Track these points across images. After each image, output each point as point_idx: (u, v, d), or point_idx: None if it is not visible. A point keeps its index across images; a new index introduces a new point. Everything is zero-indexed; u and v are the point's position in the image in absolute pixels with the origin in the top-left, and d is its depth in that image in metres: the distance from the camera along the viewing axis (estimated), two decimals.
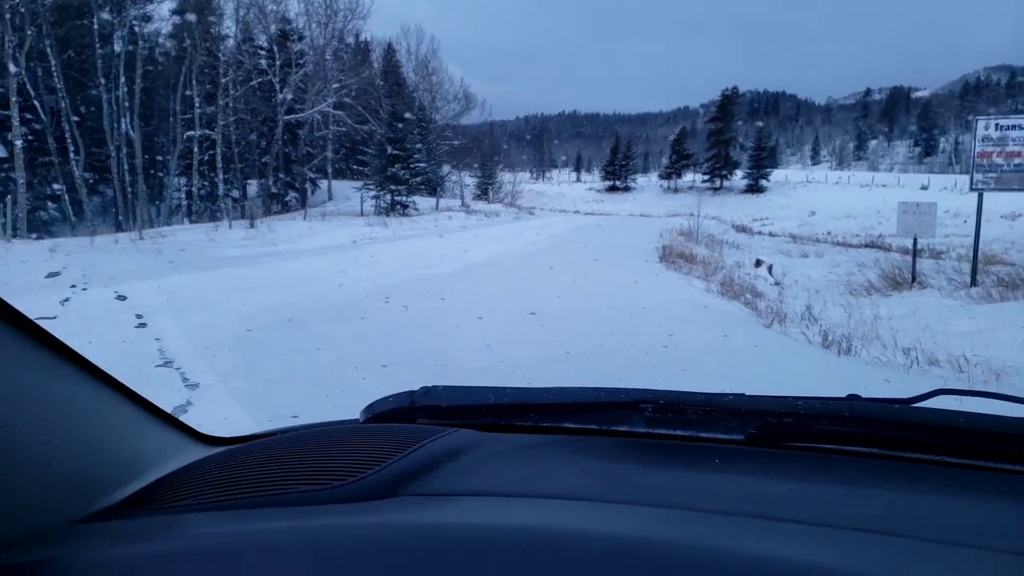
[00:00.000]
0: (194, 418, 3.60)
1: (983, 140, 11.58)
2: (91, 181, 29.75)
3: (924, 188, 46.75)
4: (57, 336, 0.87)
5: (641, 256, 14.89)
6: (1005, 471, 0.98)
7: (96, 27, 27.52)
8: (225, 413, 4.01)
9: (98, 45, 27.54)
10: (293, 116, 34.26)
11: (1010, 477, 0.97)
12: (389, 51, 49.34)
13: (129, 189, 29.03)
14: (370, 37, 49.22)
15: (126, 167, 28.87)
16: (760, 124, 69.01)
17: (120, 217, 28.17)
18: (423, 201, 34.83)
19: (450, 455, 0.99)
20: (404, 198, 32.48)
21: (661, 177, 70.08)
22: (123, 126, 28.57)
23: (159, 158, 32.47)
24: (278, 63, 33.18)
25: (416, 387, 1.27)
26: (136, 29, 29.26)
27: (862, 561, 0.67)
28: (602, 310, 7.83)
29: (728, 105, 63.05)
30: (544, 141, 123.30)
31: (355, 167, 40.96)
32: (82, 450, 0.89)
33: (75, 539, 0.79)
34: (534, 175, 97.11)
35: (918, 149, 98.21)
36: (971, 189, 11.81)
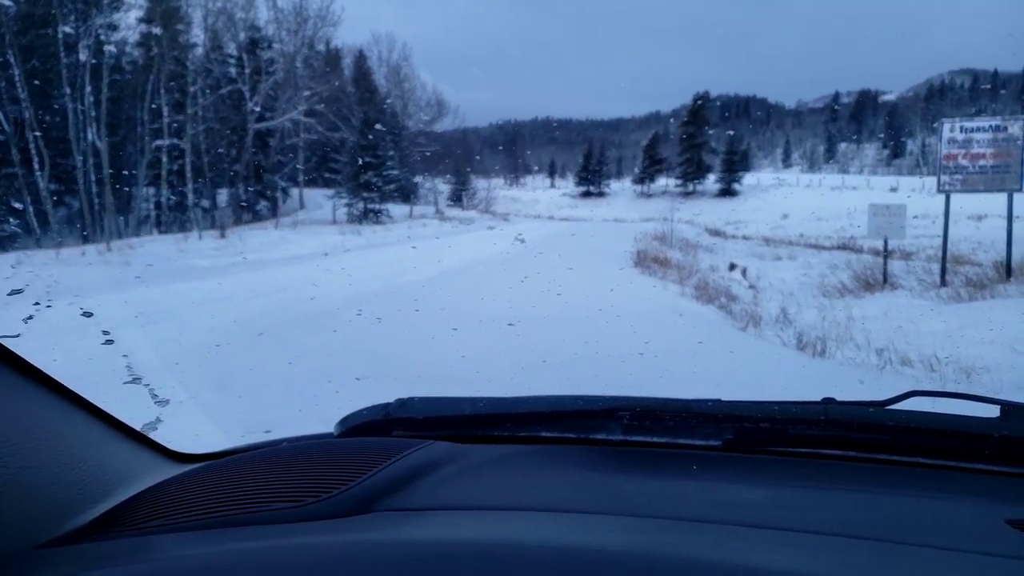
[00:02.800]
0: (164, 435, 3.53)
1: (949, 142, 11.82)
2: (57, 193, 29.21)
3: (893, 190, 47.56)
4: (19, 355, 0.84)
5: (616, 262, 14.95)
6: (978, 471, 0.99)
7: (61, 36, 27.09)
8: (196, 429, 3.95)
9: (63, 54, 27.10)
10: (263, 124, 34.00)
11: (983, 478, 0.98)
12: (360, 58, 49.24)
13: (96, 200, 28.57)
14: (341, 44, 49.12)
15: (93, 178, 28.41)
16: (731, 130, 69.86)
17: (87, 229, 27.70)
18: (396, 209, 34.73)
19: (426, 468, 0.97)
20: (377, 206, 32.36)
21: (634, 182, 70.52)
22: (89, 136, 28.14)
23: (127, 169, 32.01)
24: (248, 71, 32.92)
25: (391, 399, 1.25)
26: (102, 38, 28.85)
27: (839, 566, 0.67)
28: (578, 318, 7.84)
29: (699, 110, 63.66)
30: (518, 147, 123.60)
31: (327, 175, 40.72)
32: (46, 471, 0.86)
33: (41, 564, 0.76)
34: (508, 181, 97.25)
35: (886, 152, 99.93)
36: (938, 191, 12.04)
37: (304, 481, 0.91)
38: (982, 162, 11.66)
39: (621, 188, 73.40)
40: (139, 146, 30.22)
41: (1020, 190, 11.54)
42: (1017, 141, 11.55)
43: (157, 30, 29.23)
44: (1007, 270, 10.86)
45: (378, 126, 34.14)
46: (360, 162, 31.71)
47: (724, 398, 1.17)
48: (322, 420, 1.37)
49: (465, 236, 24.50)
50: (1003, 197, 11.57)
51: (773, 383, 5.25)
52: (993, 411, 1.10)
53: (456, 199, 52.91)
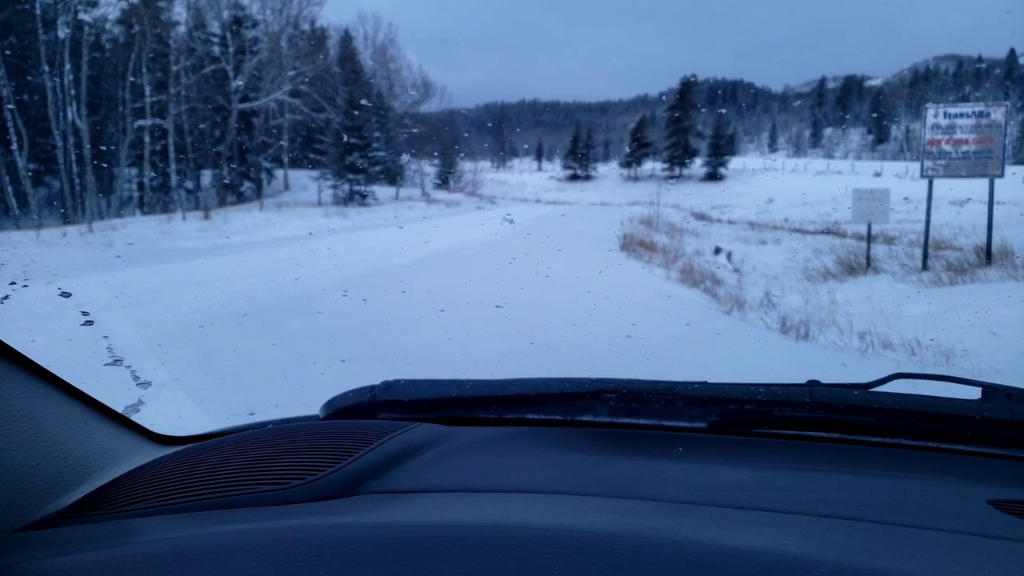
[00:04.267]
0: (147, 417, 3.52)
1: (932, 128, 11.89)
2: (36, 173, 28.78)
3: (877, 175, 47.85)
4: None
5: (603, 245, 14.97)
6: (960, 452, 1.00)
7: (39, 12, 26.57)
8: (179, 411, 3.92)
9: (41, 31, 26.60)
10: (248, 104, 33.61)
11: (966, 459, 0.99)
12: (346, 38, 48.62)
13: (77, 181, 28.20)
14: (326, 24, 48.57)
15: (73, 157, 28.02)
16: (719, 112, 69.89)
17: (68, 210, 27.35)
18: (382, 191, 34.54)
19: (413, 451, 0.97)
20: (363, 188, 32.17)
21: (621, 166, 70.51)
22: (69, 115, 27.71)
23: (109, 149, 31.57)
24: (231, 50, 32.50)
25: (377, 382, 1.25)
26: (81, 15, 28.33)
27: (824, 547, 0.67)
28: (565, 300, 7.85)
29: (687, 94, 63.59)
30: (505, 130, 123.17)
31: (312, 156, 40.37)
32: (24, 454, 0.85)
33: (19, 548, 0.75)
34: (495, 164, 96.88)
35: (871, 137, 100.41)
36: (922, 176, 12.12)
37: (289, 464, 0.91)
38: (965, 148, 11.74)
39: (608, 171, 73.35)
40: (121, 126, 29.80)
41: (1001, 176, 11.64)
42: (999, 127, 11.63)
43: (138, 6, 28.73)
44: (987, 255, 10.98)
45: (364, 102, 33.85)
46: (346, 143, 31.46)
47: (710, 381, 1.17)
48: (307, 402, 1.36)
49: (452, 219, 24.42)
50: (985, 182, 11.67)
51: (757, 366, 5.29)
52: (975, 393, 1.11)
53: (443, 181, 52.66)
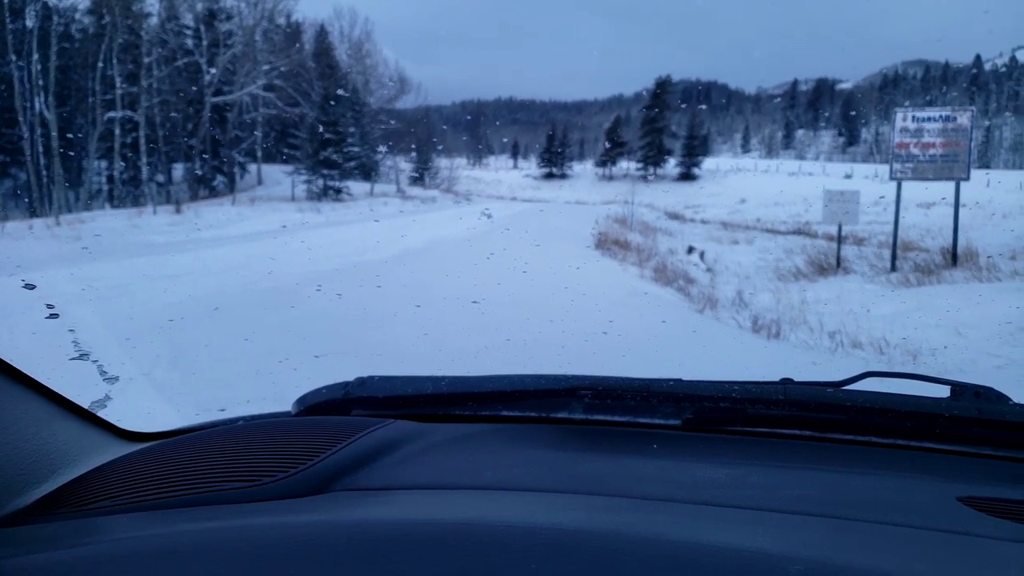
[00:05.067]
0: (114, 413, 3.46)
1: (901, 131, 12.10)
2: (2, 164, 28.18)
3: (848, 176, 48.52)
4: None
5: (578, 243, 15.02)
6: (930, 450, 1.01)
7: (5, 1, 25.98)
8: (148, 407, 3.86)
9: (8, 19, 26.01)
10: (221, 98, 33.19)
11: (935, 456, 1.00)
12: (321, 33, 48.17)
13: (45, 173, 27.64)
14: (302, 18, 48.08)
15: (40, 149, 27.46)
16: (692, 115, 70.42)
17: (35, 203, 26.80)
18: (357, 186, 34.29)
19: (387, 448, 0.96)
20: (337, 183, 31.91)
21: (596, 165, 70.76)
22: (37, 105, 27.14)
23: (78, 141, 30.96)
24: (205, 43, 32.06)
25: (350, 378, 1.23)
26: (50, 3, 27.76)
27: (799, 544, 0.67)
28: (542, 297, 7.86)
29: (661, 94, 63.97)
30: (481, 127, 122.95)
31: (286, 151, 39.94)
32: None
33: None
34: (471, 161, 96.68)
35: (842, 139, 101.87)
36: (891, 178, 12.33)
37: (260, 460, 0.89)
38: (932, 151, 11.96)
39: (583, 170, 73.57)
40: (90, 117, 29.25)
41: (967, 179, 11.88)
42: (965, 131, 11.87)
43: None
44: (953, 257, 11.20)
45: (340, 94, 33.57)
46: (320, 138, 31.18)
47: (684, 378, 1.17)
48: (279, 399, 1.34)
49: (428, 215, 24.35)
50: (951, 185, 11.90)
51: (730, 364, 5.35)
52: (943, 391, 1.12)
53: (418, 177, 52.43)
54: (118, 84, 28.72)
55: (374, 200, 31.15)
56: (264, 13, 37.01)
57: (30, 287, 7.75)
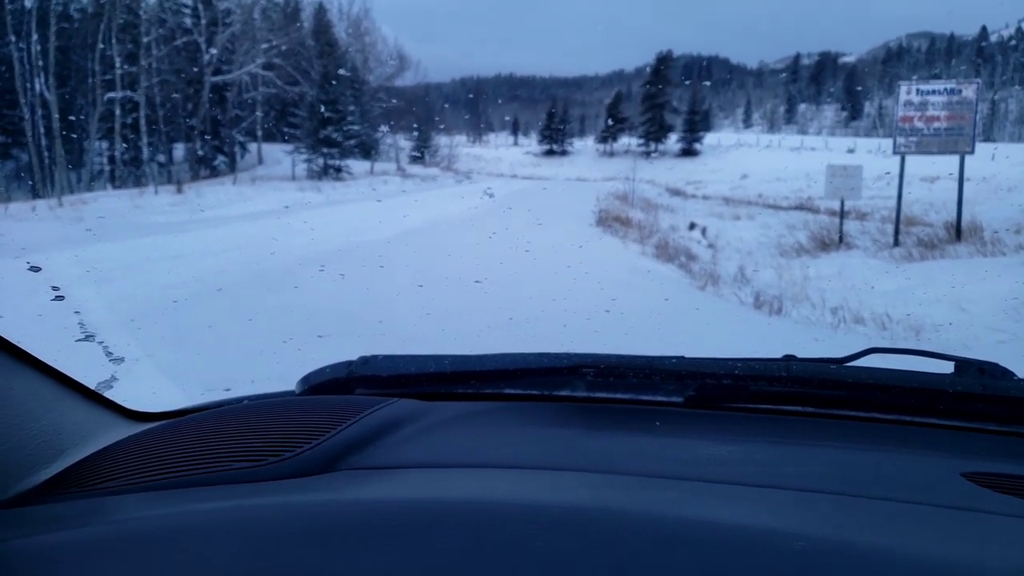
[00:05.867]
0: (120, 393, 3.46)
1: (905, 105, 11.99)
2: (3, 145, 28.08)
3: (851, 151, 48.20)
4: None
5: (579, 221, 14.98)
6: (934, 426, 1.02)
7: None
8: (154, 387, 3.88)
9: (7, 0, 25.79)
10: (220, 77, 32.98)
11: (939, 432, 1.00)
12: (320, 11, 47.68)
13: (46, 154, 27.55)
14: None
15: (42, 130, 27.35)
16: (694, 90, 69.92)
17: (37, 184, 26.74)
18: (357, 165, 34.17)
19: (391, 426, 0.96)
20: (337, 162, 31.81)
21: (597, 141, 70.44)
22: (37, 87, 26.99)
23: (78, 121, 30.80)
24: (204, 22, 31.80)
25: (354, 357, 1.24)
26: None
27: (802, 521, 0.68)
28: (544, 275, 7.86)
29: (662, 69, 63.50)
30: (480, 104, 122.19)
31: (286, 130, 39.76)
32: None
33: None
34: (471, 139, 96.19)
35: (845, 113, 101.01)
36: (894, 152, 12.25)
37: (265, 440, 0.90)
38: (936, 125, 11.86)
39: (584, 147, 73.21)
40: (91, 98, 29.07)
41: (972, 152, 11.79)
42: (970, 104, 11.76)
43: None
44: (957, 231, 11.15)
45: (340, 72, 33.35)
46: (320, 117, 31.03)
47: (687, 355, 1.17)
48: (284, 378, 1.35)
49: (428, 193, 24.27)
50: (956, 159, 11.82)
51: (732, 341, 5.35)
52: (947, 367, 1.13)
53: (418, 156, 52.21)
54: (118, 64, 28.53)
55: (374, 179, 31.04)
56: None
57: (35, 269, 7.75)
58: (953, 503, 0.74)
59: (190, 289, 6.74)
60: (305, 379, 1.23)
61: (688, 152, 58.72)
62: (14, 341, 0.91)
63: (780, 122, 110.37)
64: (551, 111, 72.78)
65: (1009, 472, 0.83)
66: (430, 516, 0.66)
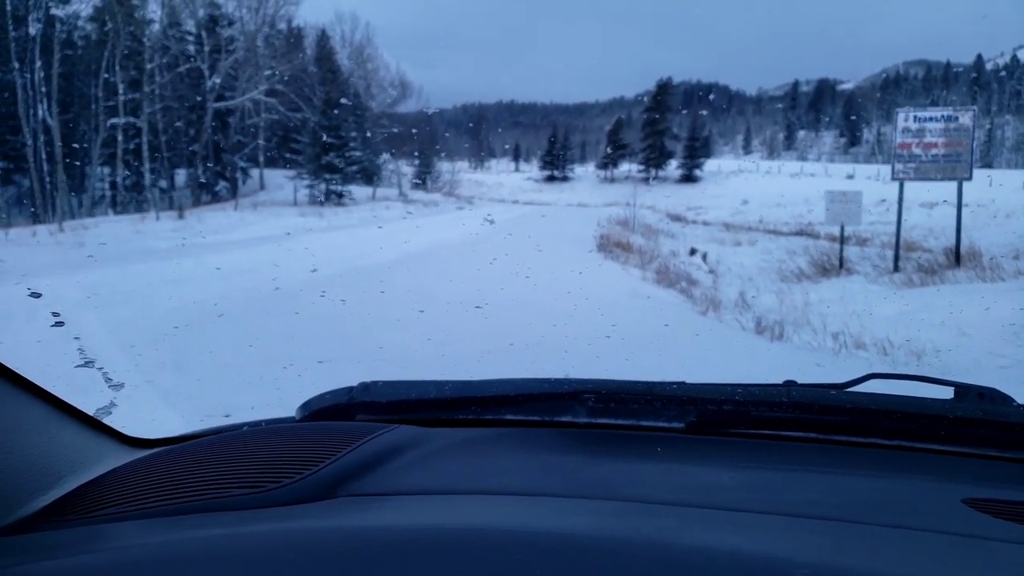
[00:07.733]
0: (119, 420, 3.46)
1: (903, 132, 12.08)
2: (5, 171, 28.25)
3: (850, 177, 48.41)
4: None
5: (580, 246, 15.00)
6: (935, 452, 1.01)
7: (8, 8, 26.08)
8: (153, 414, 3.86)
9: (11, 27, 26.11)
10: (223, 103, 33.28)
11: (940, 458, 1.00)
12: (323, 38, 48.24)
13: (48, 179, 27.70)
14: (303, 23, 48.13)
15: (44, 156, 27.52)
16: (694, 114, 70.44)
17: (38, 209, 26.86)
18: (359, 191, 34.35)
19: (391, 453, 0.96)
20: (339, 187, 31.98)
21: (598, 167, 70.79)
22: (40, 113, 27.22)
23: (81, 147, 31.02)
24: (207, 49, 32.16)
25: (354, 383, 1.23)
26: (53, 11, 27.85)
27: (804, 547, 0.67)
28: (545, 301, 7.85)
29: (662, 96, 64.00)
30: (482, 130, 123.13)
31: (288, 156, 40.02)
32: None
33: None
34: (472, 165, 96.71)
35: (844, 140, 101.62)
36: (893, 179, 12.31)
37: (265, 466, 0.90)
38: (934, 151, 11.94)
39: (585, 173, 73.57)
40: (93, 124, 29.31)
41: (970, 179, 11.86)
42: (967, 131, 11.85)
43: (112, 3, 28.32)
44: (956, 256, 11.17)
45: (343, 101, 33.65)
46: (322, 143, 31.25)
47: (687, 381, 1.17)
48: (284, 404, 1.34)
49: (430, 219, 24.36)
50: (954, 185, 11.88)
51: (733, 366, 5.34)
52: (947, 392, 1.12)
53: (420, 182, 52.47)
54: (121, 91, 28.80)
55: (376, 204, 31.18)
56: (265, 19, 37.17)
57: (36, 295, 7.76)
58: (954, 529, 0.74)
59: (191, 314, 6.73)
60: (305, 405, 1.22)
61: (688, 178, 58.97)
62: (14, 367, 0.91)
63: (780, 148, 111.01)
64: (552, 137, 73.23)
65: (1010, 498, 0.83)
66: (430, 543, 0.65)
